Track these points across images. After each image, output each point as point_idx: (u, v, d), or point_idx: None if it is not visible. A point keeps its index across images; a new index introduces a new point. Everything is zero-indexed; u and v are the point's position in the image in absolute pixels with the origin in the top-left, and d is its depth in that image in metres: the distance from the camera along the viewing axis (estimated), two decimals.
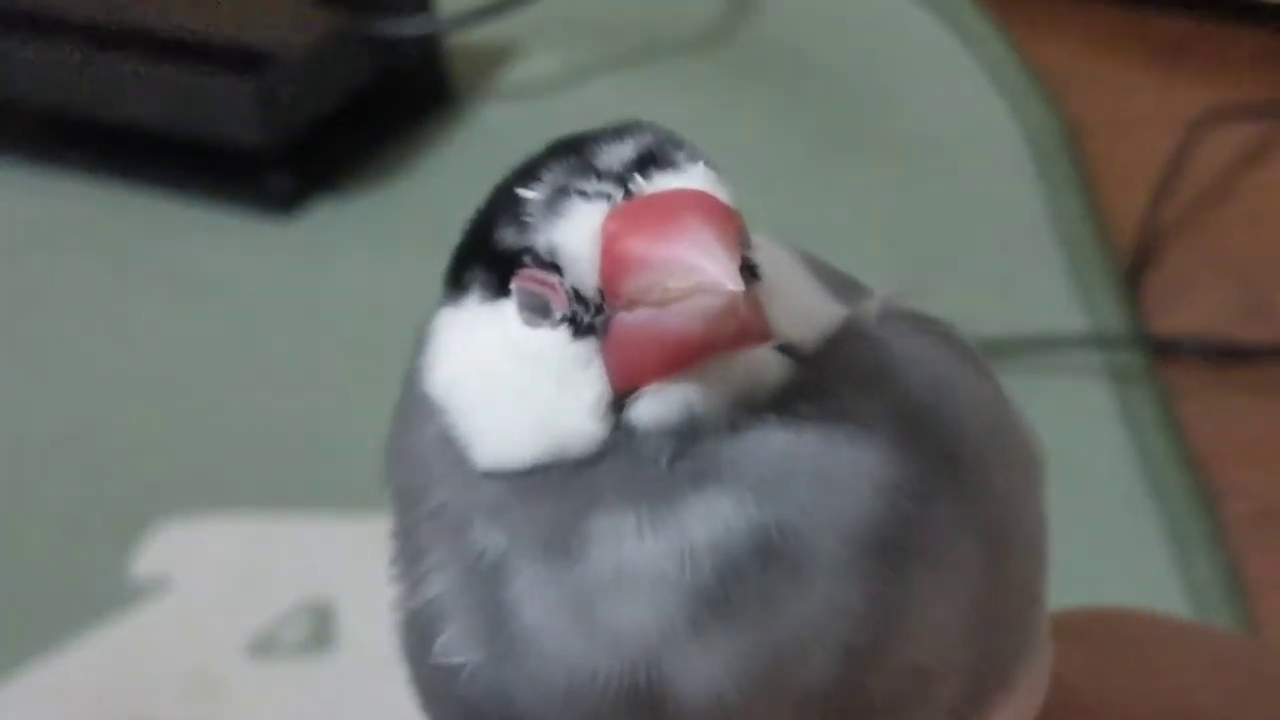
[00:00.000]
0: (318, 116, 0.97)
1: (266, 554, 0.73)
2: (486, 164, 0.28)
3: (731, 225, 0.24)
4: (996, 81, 1.03)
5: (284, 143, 0.96)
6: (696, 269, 0.23)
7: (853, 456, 0.24)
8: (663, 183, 0.25)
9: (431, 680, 0.27)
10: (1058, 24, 1.10)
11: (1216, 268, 0.89)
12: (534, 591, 0.25)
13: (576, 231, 0.25)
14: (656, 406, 0.25)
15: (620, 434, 0.25)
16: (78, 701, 0.67)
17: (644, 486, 0.24)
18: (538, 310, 0.25)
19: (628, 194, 0.25)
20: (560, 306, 0.25)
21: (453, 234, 0.28)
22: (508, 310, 0.26)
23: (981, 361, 0.28)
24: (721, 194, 0.25)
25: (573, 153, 0.25)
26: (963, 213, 0.93)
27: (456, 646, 0.26)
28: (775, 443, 0.24)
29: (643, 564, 0.24)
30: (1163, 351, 0.82)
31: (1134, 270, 0.88)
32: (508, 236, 0.26)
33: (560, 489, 0.25)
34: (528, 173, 0.26)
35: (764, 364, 0.25)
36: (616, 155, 0.25)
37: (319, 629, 0.69)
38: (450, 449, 0.26)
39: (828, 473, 0.24)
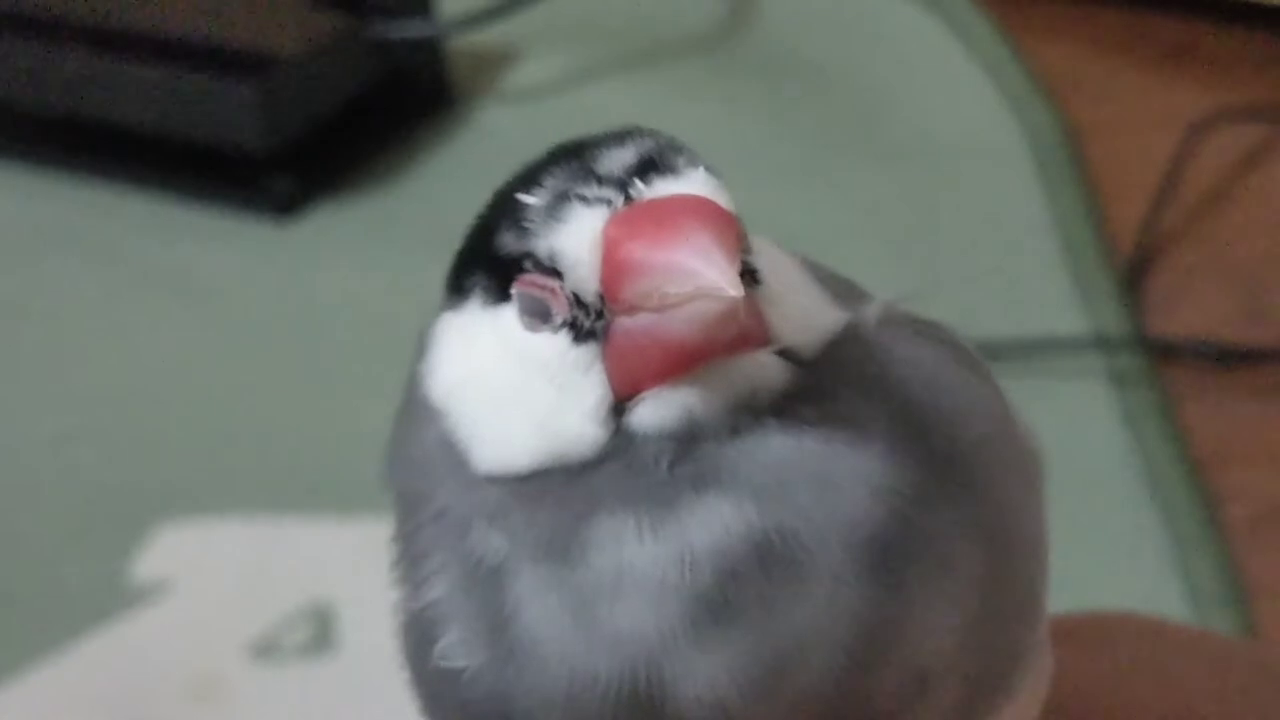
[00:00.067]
0: (318, 120, 0.97)
1: (267, 557, 0.73)
2: (487, 167, 0.28)
3: (731, 230, 0.24)
4: (997, 84, 1.03)
5: (284, 146, 0.96)
6: (696, 274, 0.23)
7: (853, 461, 0.25)
8: (663, 188, 0.25)
9: (432, 683, 0.27)
10: (1058, 26, 1.10)
11: (1217, 270, 0.89)
12: (534, 595, 0.25)
13: (577, 237, 0.25)
14: (657, 411, 0.25)
15: (621, 438, 0.25)
16: (79, 704, 0.67)
17: (644, 491, 0.24)
18: (538, 315, 0.25)
19: (628, 199, 0.25)
20: (561, 311, 0.25)
21: (453, 237, 0.28)
22: (508, 315, 0.26)
23: (981, 365, 0.28)
24: (721, 199, 0.25)
25: (573, 158, 0.25)
26: (963, 215, 0.93)
27: (457, 650, 0.26)
28: (775, 447, 0.24)
29: (643, 568, 0.24)
30: (1163, 354, 0.82)
31: (1135, 272, 0.88)
32: (508, 241, 0.26)
33: (561, 493, 0.25)
34: (528, 178, 0.26)
35: (764, 368, 0.25)
36: (617, 161, 0.25)
37: (320, 632, 0.69)
38: (451, 453, 0.26)
39: (828, 477, 0.24)
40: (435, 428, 0.27)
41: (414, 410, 0.28)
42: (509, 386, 0.26)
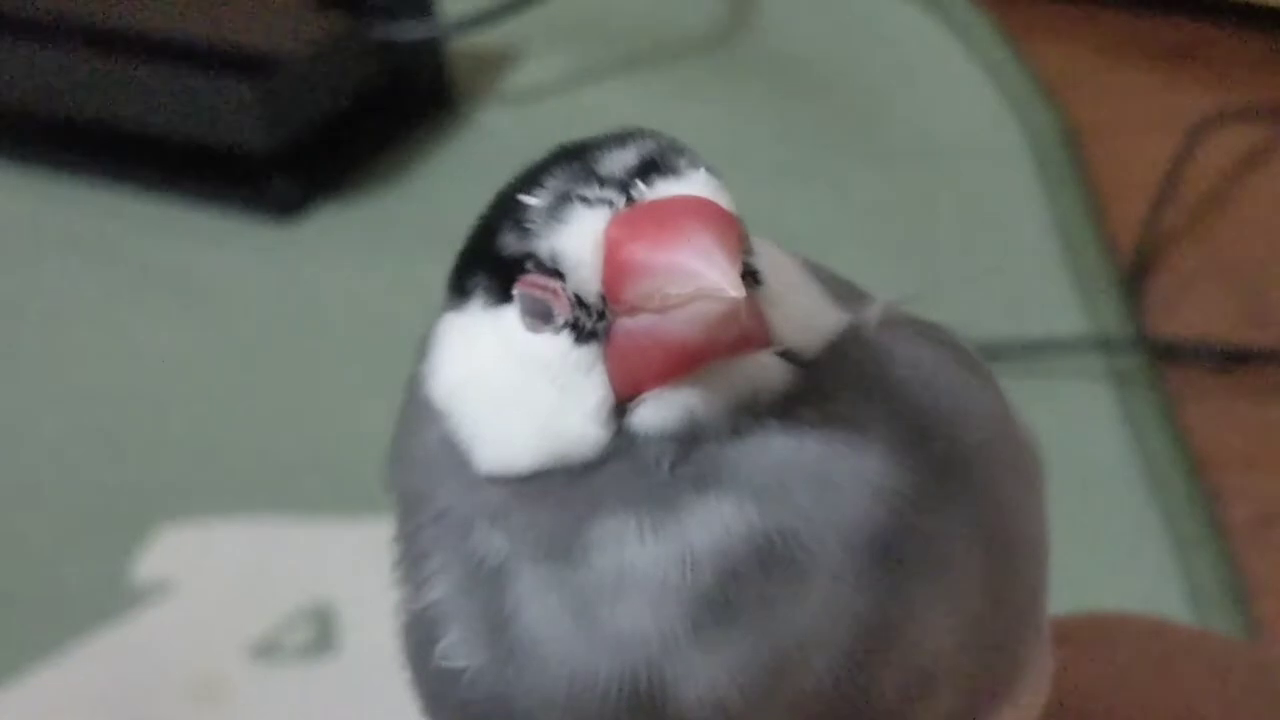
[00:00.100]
0: (319, 121, 0.97)
1: (268, 557, 0.73)
2: (488, 168, 0.28)
3: (732, 231, 0.24)
4: (998, 85, 1.03)
5: (286, 147, 0.96)
6: (698, 275, 0.23)
7: (853, 462, 0.25)
8: (664, 189, 0.25)
9: (433, 684, 0.27)
10: (1059, 27, 1.10)
11: (1218, 271, 0.89)
12: (535, 596, 0.25)
13: (579, 238, 0.25)
14: (658, 412, 0.25)
15: (622, 439, 0.25)
16: (80, 704, 0.67)
17: (645, 491, 0.24)
18: (540, 316, 0.25)
19: (630, 200, 0.25)
20: (562, 312, 0.25)
21: (455, 238, 0.28)
22: (510, 316, 0.26)
23: (982, 366, 0.28)
24: (723, 200, 0.25)
25: (575, 159, 0.26)
26: (963, 216, 0.93)
27: (458, 650, 0.26)
28: (776, 448, 0.24)
29: (644, 568, 0.24)
30: (1164, 355, 0.82)
31: (1135, 274, 0.88)
32: (510, 242, 0.26)
33: (562, 494, 0.25)
34: (530, 179, 0.26)
35: (765, 369, 0.25)
36: (619, 162, 0.25)
37: (321, 633, 0.69)
38: (453, 454, 0.26)
39: (829, 478, 0.24)
40: (437, 428, 0.27)
41: (416, 411, 0.28)
42: (510, 387, 0.26)
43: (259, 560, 0.73)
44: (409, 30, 1.01)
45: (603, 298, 0.25)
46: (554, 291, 0.25)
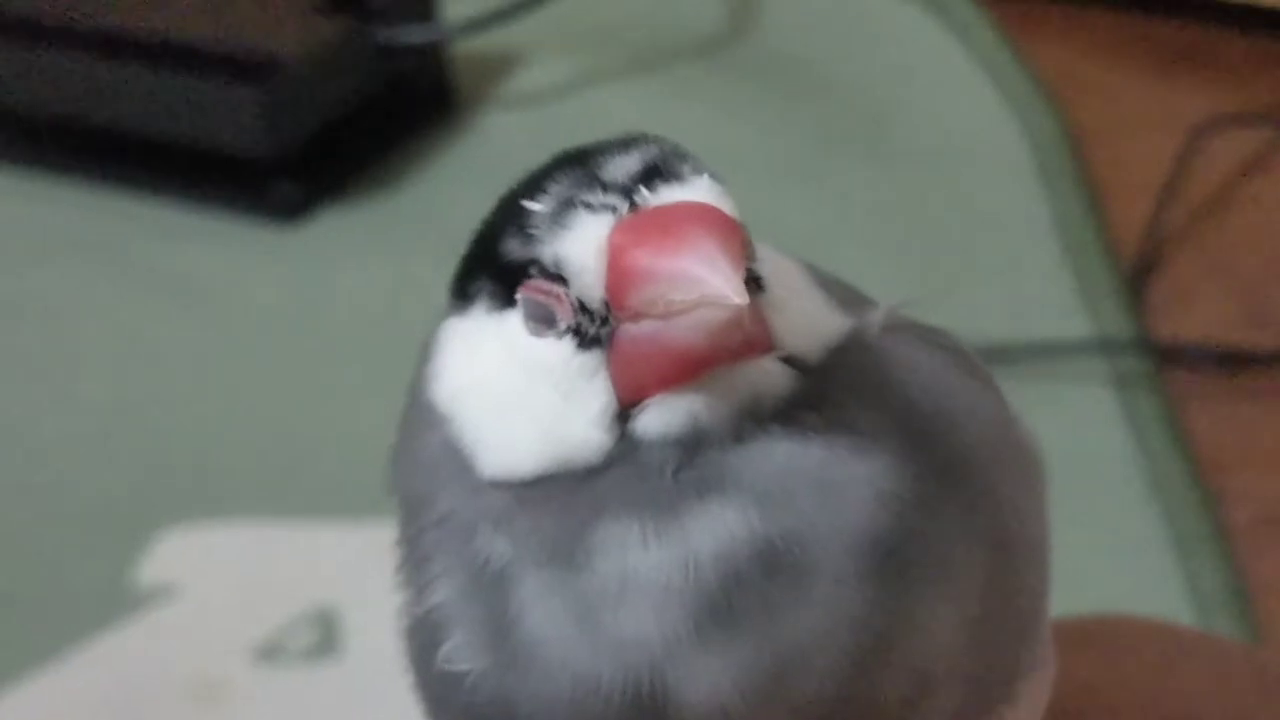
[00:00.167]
0: (322, 125, 0.97)
1: (272, 561, 0.73)
2: (491, 172, 0.28)
3: (736, 238, 0.24)
4: (999, 87, 1.03)
5: (288, 151, 0.96)
6: (701, 282, 0.23)
7: (856, 466, 0.25)
8: (668, 195, 0.25)
9: (436, 687, 0.27)
10: (1060, 29, 1.10)
11: (1220, 273, 0.89)
12: (538, 600, 0.25)
13: (582, 243, 0.25)
14: (661, 417, 0.25)
15: (625, 444, 0.25)
16: (82, 708, 0.67)
17: (649, 497, 0.24)
18: (543, 321, 0.25)
19: (633, 206, 0.25)
20: (565, 317, 0.25)
21: (458, 242, 0.28)
22: (513, 321, 0.26)
23: (983, 371, 0.28)
24: (726, 206, 0.25)
25: (578, 165, 0.26)
26: (965, 219, 0.93)
27: (461, 654, 0.26)
28: (779, 453, 0.25)
29: (647, 573, 0.24)
30: (1166, 357, 0.82)
31: (1137, 276, 0.88)
32: (513, 248, 0.26)
33: (565, 499, 0.25)
34: (533, 184, 0.26)
35: (768, 375, 0.25)
36: (622, 168, 0.25)
37: (324, 636, 0.69)
38: (455, 458, 0.26)
39: (831, 483, 0.24)
40: (440, 433, 0.27)
41: (419, 415, 0.28)
42: (514, 392, 0.26)
43: (262, 563, 0.73)
44: (411, 34, 1.01)
45: (606, 303, 0.25)
46: (557, 297, 0.25)
